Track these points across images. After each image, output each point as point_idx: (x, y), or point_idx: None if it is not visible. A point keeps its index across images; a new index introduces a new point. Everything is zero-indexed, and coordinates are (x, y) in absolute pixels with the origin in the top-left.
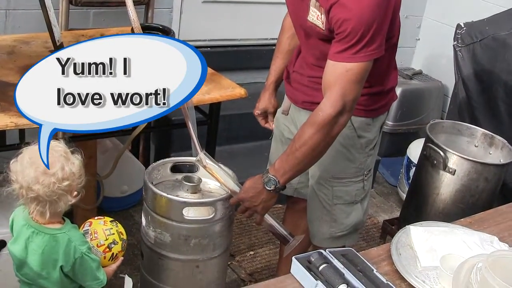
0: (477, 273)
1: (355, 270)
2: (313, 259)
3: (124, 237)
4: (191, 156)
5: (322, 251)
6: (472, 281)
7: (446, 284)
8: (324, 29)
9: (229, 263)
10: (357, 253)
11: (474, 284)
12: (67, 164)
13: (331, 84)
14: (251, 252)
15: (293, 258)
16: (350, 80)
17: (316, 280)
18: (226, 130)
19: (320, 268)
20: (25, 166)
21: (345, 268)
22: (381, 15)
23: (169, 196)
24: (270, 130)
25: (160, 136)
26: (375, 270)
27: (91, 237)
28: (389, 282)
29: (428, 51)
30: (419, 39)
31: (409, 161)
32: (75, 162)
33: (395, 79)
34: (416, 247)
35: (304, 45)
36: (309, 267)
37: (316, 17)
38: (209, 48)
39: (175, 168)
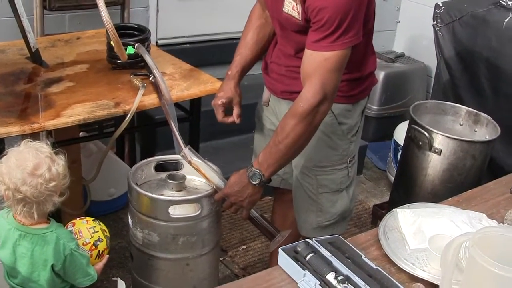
0: (465, 252)
1: (343, 258)
2: (300, 249)
3: (108, 234)
4: (176, 154)
5: (309, 240)
6: (461, 260)
7: (435, 265)
8: (300, 19)
9: (221, 258)
10: (345, 240)
11: (462, 263)
12: (53, 165)
13: (311, 74)
14: (243, 247)
15: (279, 249)
16: (329, 68)
17: (304, 270)
18: (209, 125)
19: (308, 257)
20: (12, 168)
21: (332, 256)
22: (358, 1)
23: (153, 195)
24: (235, 124)
25: (145, 136)
26: (363, 256)
27: (76, 236)
28: (378, 267)
29: (409, 33)
30: (399, 22)
31: (396, 144)
32: (60, 163)
33: (373, 64)
34: (404, 229)
35: (280, 36)
36: (296, 257)
37: (291, 7)
38: (188, 45)
39: (160, 167)
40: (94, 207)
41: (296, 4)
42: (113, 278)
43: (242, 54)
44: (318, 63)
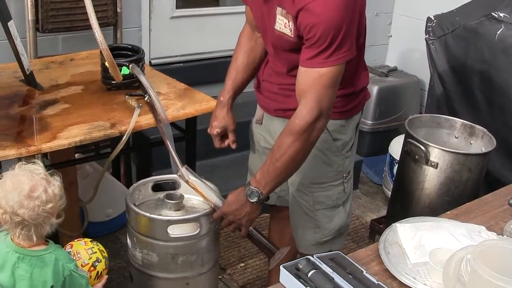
0: (467, 265)
1: (344, 273)
2: (301, 266)
3: (106, 255)
4: (172, 173)
5: (310, 257)
6: (463, 273)
7: (437, 279)
8: (292, 36)
9: (220, 276)
10: (345, 255)
11: (464, 276)
12: (49, 186)
13: (306, 91)
14: (242, 264)
15: (281, 266)
16: (324, 85)
17: (306, 287)
18: (205, 144)
19: (309, 274)
20: (8, 191)
21: (334, 272)
22: (349, 16)
23: (152, 215)
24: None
25: (140, 156)
26: (365, 271)
27: (74, 257)
28: (380, 282)
29: (401, 47)
30: (391, 36)
31: (392, 159)
32: (56, 184)
33: (366, 79)
34: (404, 244)
35: (272, 55)
36: (298, 274)
37: (283, 25)
38: (181, 64)
39: (157, 187)
40: (92, 228)
41: (288, 22)
42: None
43: (233, 79)
44: (313, 79)
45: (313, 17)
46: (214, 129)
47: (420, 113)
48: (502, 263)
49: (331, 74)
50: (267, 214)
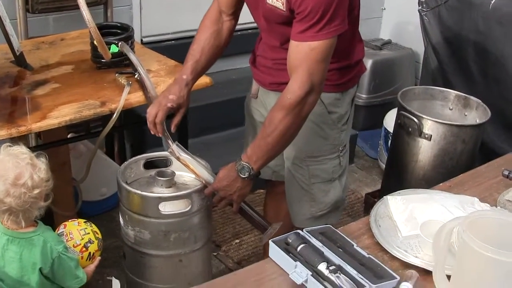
0: (458, 236)
1: (334, 247)
2: (290, 240)
3: (100, 236)
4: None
5: (300, 231)
6: (454, 244)
7: (428, 251)
8: (284, 9)
9: (215, 253)
10: (336, 229)
11: (455, 248)
12: (35, 171)
13: (297, 65)
14: (237, 241)
15: (270, 241)
16: (315, 59)
17: (295, 261)
18: (200, 120)
19: (299, 248)
20: None
21: (324, 246)
22: None
23: (143, 193)
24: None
25: (134, 134)
26: (355, 245)
27: (66, 238)
28: (370, 256)
29: (395, 19)
30: (384, 9)
31: (387, 132)
32: (42, 167)
33: (361, 52)
34: (395, 217)
35: (264, 30)
36: (287, 249)
37: None
38: (173, 41)
39: (150, 165)
40: (87, 208)
41: None
42: (107, 278)
43: (197, 60)
44: (304, 54)
45: None
46: (170, 102)
47: (415, 86)
48: (492, 234)
49: (323, 47)
50: (262, 190)
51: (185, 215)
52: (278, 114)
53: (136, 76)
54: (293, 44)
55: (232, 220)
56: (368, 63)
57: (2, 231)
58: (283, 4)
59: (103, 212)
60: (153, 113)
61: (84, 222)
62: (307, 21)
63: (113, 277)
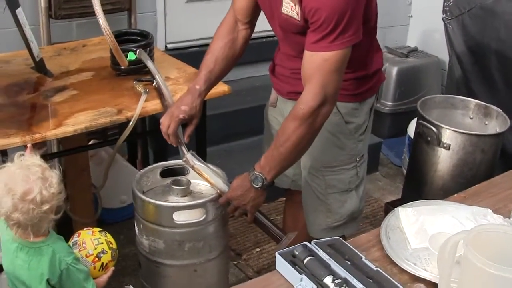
0: (462, 250)
1: (342, 260)
2: (297, 253)
3: (114, 246)
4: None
5: (307, 243)
6: (460, 258)
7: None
8: (299, 19)
9: (235, 262)
10: (345, 241)
11: (460, 262)
12: (45, 186)
13: (310, 75)
14: (258, 249)
15: (276, 253)
16: (329, 69)
17: (300, 274)
18: (222, 128)
19: (305, 261)
20: (2, 195)
21: (331, 259)
22: (355, 0)
23: (157, 202)
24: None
25: (157, 141)
26: (363, 258)
27: (79, 247)
28: (378, 269)
29: (422, 27)
30: (411, 16)
31: (410, 140)
32: (54, 181)
33: (379, 61)
34: (406, 229)
35: (282, 39)
36: (294, 261)
37: (290, 8)
38: (197, 48)
39: (168, 173)
40: (107, 215)
41: (294, 5)
42: (125, 286)
43: (211, 70)
44: (317, 64)
45: (317, 0)
46: (181, 113)
47: (442, 94)
48: (497, 249)
49: (336, 58)
50: (283, 198)
51: (199, 224)
52: (291, 124)
53: (154, 84)
54: (307, 54)
55: (253, 229)
56: (394, 70)
57: (12, 238)
58: (298, 14)
59: (123, 220)
60: (166, 124)
61: (99, 231)
62: (321, 31)
63: (130, 286)
